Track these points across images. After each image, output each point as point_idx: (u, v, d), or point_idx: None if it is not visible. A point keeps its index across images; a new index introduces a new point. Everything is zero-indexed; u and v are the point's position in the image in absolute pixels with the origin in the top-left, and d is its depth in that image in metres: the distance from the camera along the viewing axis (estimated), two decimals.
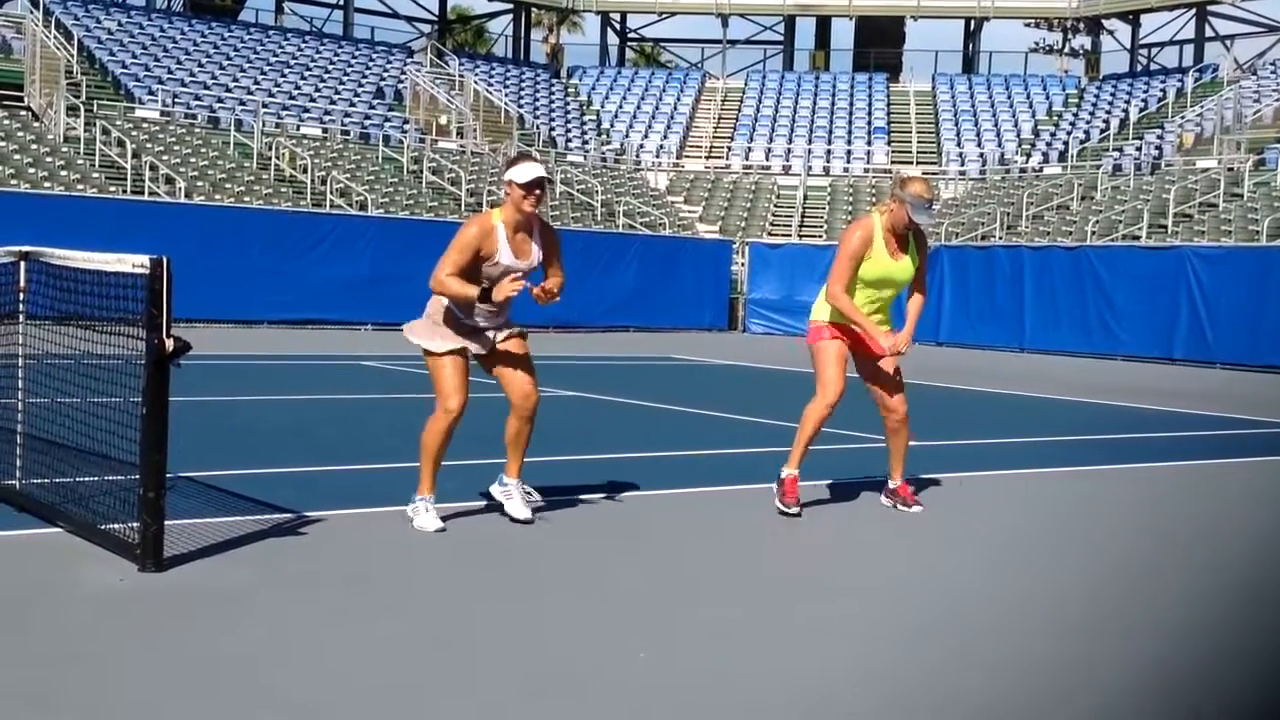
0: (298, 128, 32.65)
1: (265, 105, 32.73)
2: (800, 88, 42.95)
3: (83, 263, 5.91)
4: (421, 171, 31.80)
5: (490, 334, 6.46)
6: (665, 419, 11.98)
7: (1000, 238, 30.26)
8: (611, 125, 40.94)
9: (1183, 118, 36.67)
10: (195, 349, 5.35)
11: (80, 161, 26.79)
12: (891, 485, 7.37)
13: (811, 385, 7.10)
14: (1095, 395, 15.50)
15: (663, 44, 53.36)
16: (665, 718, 3.88)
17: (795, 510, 6.95)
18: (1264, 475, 9.62)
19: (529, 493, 6.70)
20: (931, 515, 7.20)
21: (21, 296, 6.48)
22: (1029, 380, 17.56)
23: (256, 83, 34.86)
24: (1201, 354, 22.27)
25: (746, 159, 39.48)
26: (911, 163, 37.46)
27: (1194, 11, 43.17)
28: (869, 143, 39.69)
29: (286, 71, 36.54)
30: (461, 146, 35.03)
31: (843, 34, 50.49)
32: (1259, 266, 21.87)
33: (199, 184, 27.07)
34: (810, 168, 38.36)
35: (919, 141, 40.16)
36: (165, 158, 27.73)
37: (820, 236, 33.64)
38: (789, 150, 39.42)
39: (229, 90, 33.58)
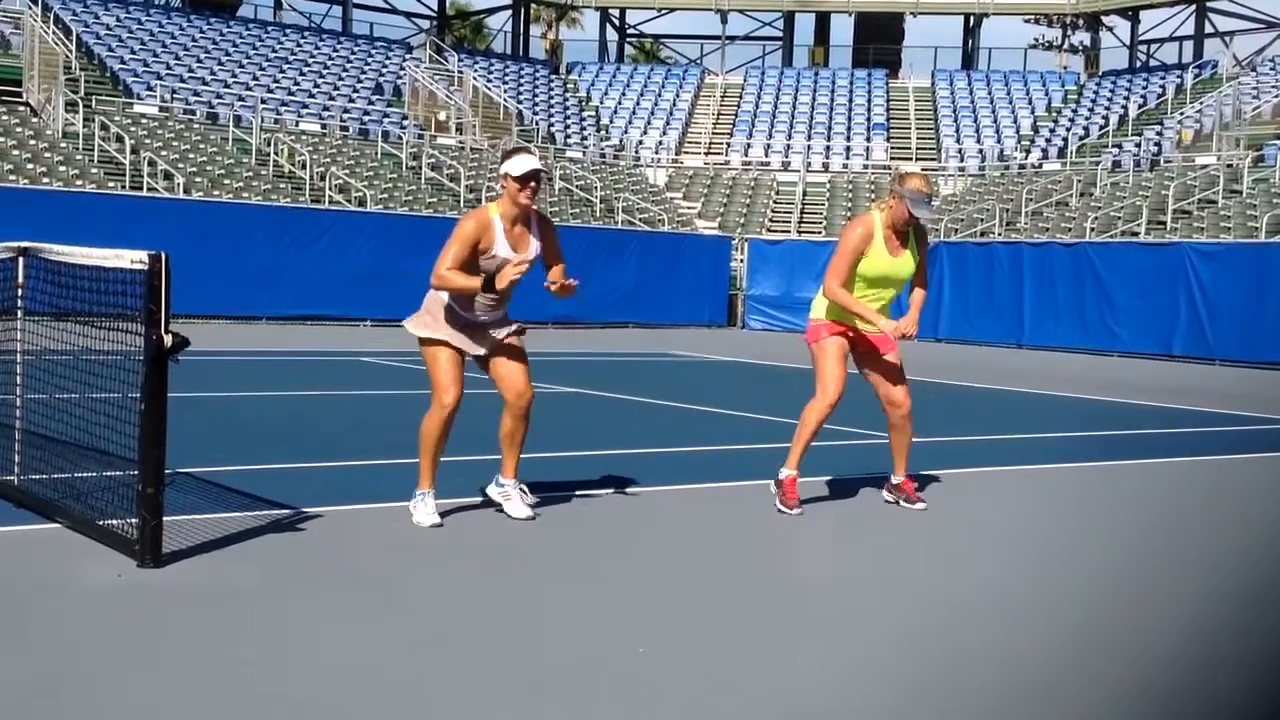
0: (296, 124, 32.63)
1: (264, 101, 32.71)
2: (799, 84, 42.94)
3: (81, 258, 5.90)
4: (420, 167, 31.78)
5: (490, 332, 6.45)
6: (664, 415, 11.98)
7: (999, 234, 30.26)
8: (611, 121, 40.93)
9: (1182, 114, 36.67)
10: (194, 345, 5.34)
11: (79, 157, 26.77)
12: (895, 480, 7.35)
13: (811, 383, 7.08)
14: (1094, 392, 15.49)
15: (662, 40, 53.40)
16: (665, 714, 3.87)
17: (796, 510, 6.94)
18: (1263, 472, 9.61)
19: (525, 492, 6.70)
20: (932, 512, 7.19)
21: (20, 292, 6.47)
22: (1028, 377, 17.56)
23: (255, 78, 34.84)
24: (1200, 350, 22.26)
25: (746, 155, 39.46)
26: (911, 159, 37.45)
27: (1193, 7, 43.18)
28: (868, 139, 39.68)
29: (285, 67, 36.52)
30: (460, 142, 35.01)
31: (842, 30, 50.52)
32: (1258, 263, 21.86)
33: (197, 180, 27.06)
34: (809, 164, 38.36)
35: (918, 138, 40.15)
36: (164, 153, 27.71)
37: (819, 233, 33.64)
38: (788, 146, 39.41)
39: (228, 86, 33.56)
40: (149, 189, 26.14)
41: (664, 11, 46.66)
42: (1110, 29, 47.42)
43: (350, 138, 32.87)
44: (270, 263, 23.59)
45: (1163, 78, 40.32)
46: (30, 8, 32.04)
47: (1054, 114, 40.13)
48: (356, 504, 6.76)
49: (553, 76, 43.35)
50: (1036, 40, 52.39)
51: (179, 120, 30.29)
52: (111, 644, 4.33)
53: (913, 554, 6.30)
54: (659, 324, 27.64)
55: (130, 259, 5.35)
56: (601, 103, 41.98)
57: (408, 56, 40.41)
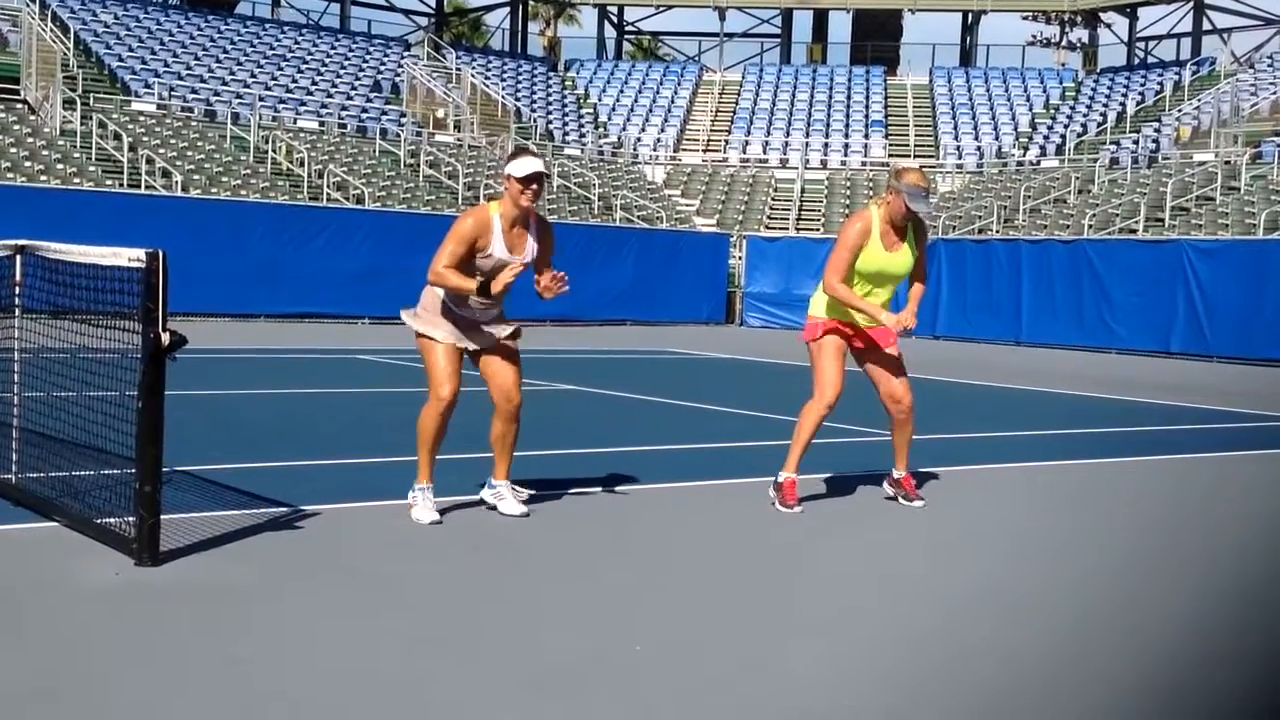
0: (294, 121, 32.61)
1: (262, 99, 32.68)
2: (797, 81, 42.92)
3: (79, 256, 5.90)
4: (418, 165, 31.77)
5: (485, 329, 6.45)
6: (662, 412, 11.97)
7: (997, 231, 30.26)
8: (609, 118, 40.91)
9: (1180, 111, 36.67)
10: (191, 343, 5.33)
11: (76, 155, 26.75)
12: (895, 475, 7.34)
13: (809, 381, 7.08)
14: (1092, 389, 15.49)
15: (660, 37, 53.35)
16: (663, 712, 3.87)
17: (797, 509, 6.93)
18: (1261, 469, 9.61)
19: (518, 491, 6.70)
20: (929, 510, 7.19)
21: (18, 290, 6.46)
22: (1026, 374, 17.56)
23: (253, 76, 34.81)
24: (1198, 347, 22.28)
25: (744, 152, 39.45)
26: (909, 156, 37.45)
27: (1191, 5, 43.18)
28: (866, 136, 39.67)
29: (283, 65, 36.49)
30: (458, 140, 34.99)
31: (840, 27, 50.64)
32: (1256, 260, 21.87)
33: (195, 177, 27.04)
34: (807, 161, 38.35)
35: (916, 135, 40.15)
36: (162, 151, 27.69)
37: (818, 230, 33.64)
38: (786, 143, 39.41)
39: (226, 84, 33.54)
40: (147, 187, 26.12)
41: (662, 9, 46.66)
42: (1108, 26, 47.45)
43: (348, 135, 32.85)
44: (268, 260, 23.58)
45: (1161, 75, 40.32)
46: (28, 5, 32.00)
47: (1052, 111, 40.13)
48: (354, 502, 6.76)
49: (551, 74, 43.33)
50: (1034, 37, 52.44)
51: (177, 118, 30.27)
52: (109, 642, 4.33)
53: (910, 552, 6.30)
54: (657, 321, 27.64)
55: (128, 257, 5.35)
56: (600, 100, 41.97)
57: (406, 54, 40.39)
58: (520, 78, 41.68)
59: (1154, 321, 22.93)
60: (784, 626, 4.85)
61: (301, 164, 29.23)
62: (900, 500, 7.30)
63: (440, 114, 36.50)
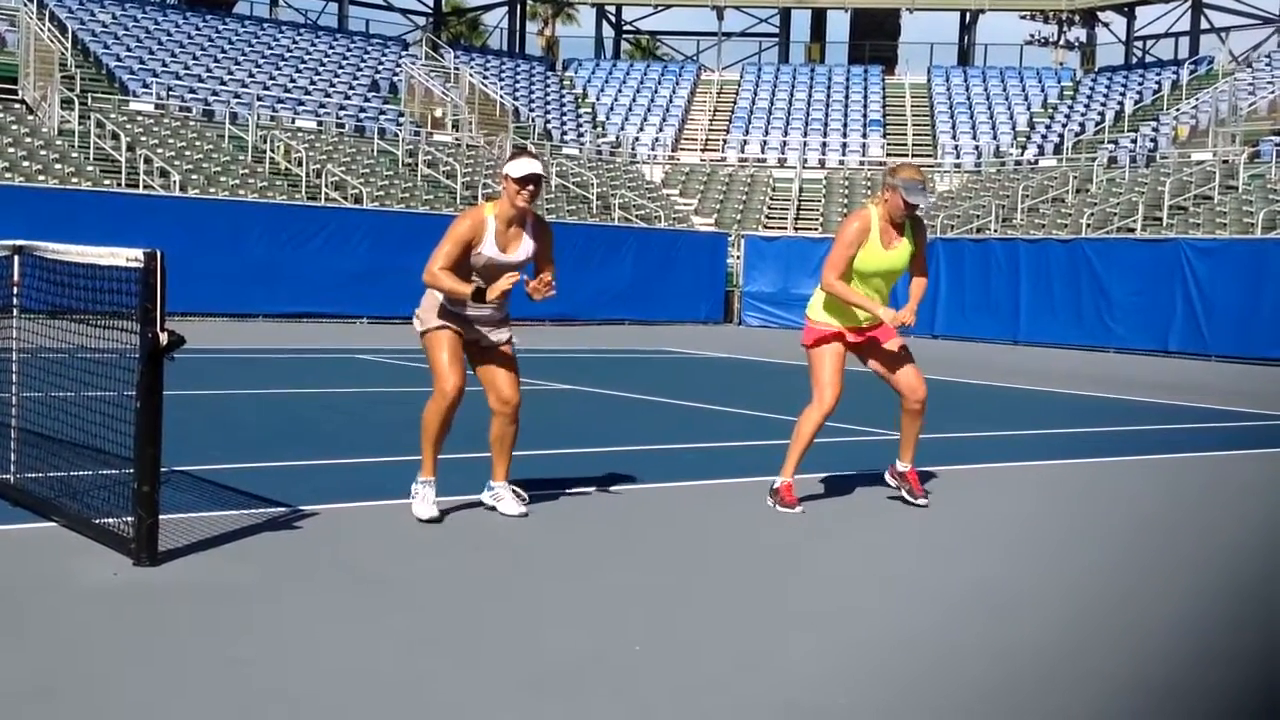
0: (293, 121, 32.61)
1: (260, 98, 32.68)
2: (795, 80, 42.93)
3: (77, 256, 5.90)
4: (417, 165, 31.76)
5: (482, 328, 6.45)
6: (660, 412, 11.98)
7: (995, 230, 30.27)
8: (607, 118, 40.91)
9: (1178, 110, 36.68)
10: (190, 343, 5.34)
11: (74, 155, 26.74)
12: (900, 468, 7.31)
13: (808, 382, 7.07)
14: (1090, 388, 15.50)
15: (658, 36, 53.35)
16: (662, 711, 3.88)
17: (798, 509, 6.93)
18: (1259, 468, 9.62)
19: (518, 493, 6.71)
20: (927, 508, 7.20)
21: (16, 290, 6.47)
22: (1023, 373, 17.57)
23: (251, 75, 34.81)
24: (1196, 346, 22.29)
25: (742, 151, 39.46)
26: (907, 155, 37.48)
27: (1189, 4, 43.21)
28: (864, 135, 39.68)
29: (281, 64, 36.49)
30: (457, 139, 34.99)
31: (838, 26, 50.59)
32: (1254, 259, 21.88)
33: (193, 177, 27.03)
34: (806, 160, 38.36)
35: (915, 134, 40.16)
36: (160, 151, 27.69)
37: (816, 229, 33.66)
38: (784, 143, 39.41)
39: (224, 83, 33.53)
40: (145, 186, 26.12)
41: (660, 8, 46.66)
42: (1106, 25, 47.48)
43: (346, 135, 32.85)
44: (266, 260, 23.58)
45: (1159, 74, 40.34)
46: (26, 5, 31.99)
47: (1050, 110, 40.15)
48: (354, 502, 6.76)
49: (549, 73, 43.33)
50: (1032, 36, 52.37)
51: (175, 117, 30.26)
52: (108, 643, 4.33)
53: (907, 550, 6.30)
54: (655, 321, 27.64)
55: (126, 257, 5.35)
56: (598, 99, 41.97)
57: (404, 53, 40.39)
58: (518, 77, 41.68)
59: (1152, 321, 22.94)
60: (781, 625, 4.86)
61: (300, 164, 29.22)
62: (905, 495, 7.26)
63: (438, 113, 36.50)
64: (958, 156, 38.29)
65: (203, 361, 13.71)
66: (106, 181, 25.80)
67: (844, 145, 39.34)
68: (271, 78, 35.24)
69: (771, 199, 36.69)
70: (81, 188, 24.16)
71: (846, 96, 41.67)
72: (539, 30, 51.97)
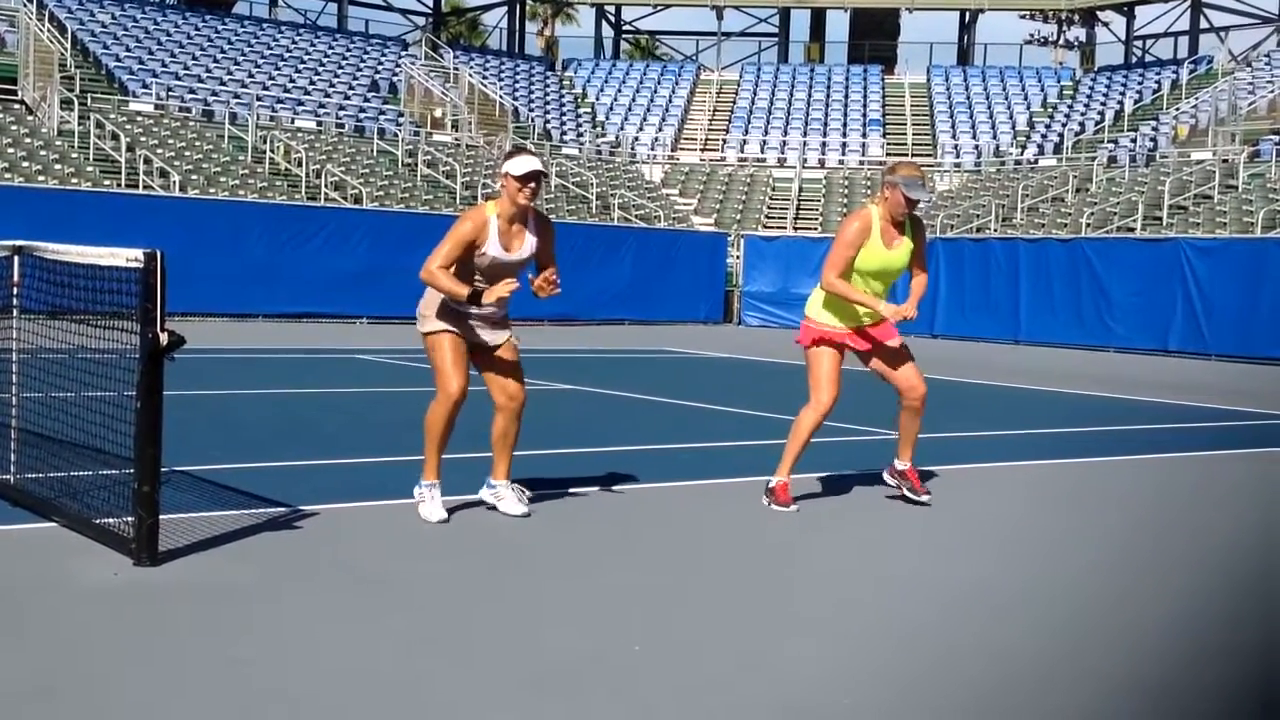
0: (292, 121, 32.61)
1: (260, 99, 32.69)
2: (795, 80, 42.93)
3: (77, 257, 5.91)
4: (416, 165, 31.77)
5: (481, 328, 6.45)
6: (660, 412, 11.98)
7: (995, 230, 30.26)
8: (606, 118, 40.92)
9: (1178, 110, 36.69)
10: (190, 343, 5.35)
11: (74, 155, 26.75)
12: (900, 467, 7.31)
13: (806, 382, 7.07)
14: (1089, 387, 15.51)
15: (657, 36, 53.35)
16: (661, 711, 3.88)
17: (793, 508, 6.94)
18: (1258, 467, 9.62)
19: (521, 491, 6.71)
20: (924, 508, 7.20)
21: (16, 291, 6.47)
22: (1023, 372, 17.58)
23: (251, 76, 34.81)
24: (1196, 346, 22.30)
25: (741, 151, 39.46)
26: (907, 155, 37.46)
27: (1188, 3, 43.21)
28: (864, 135, 39.69)
29: (281, 65, 36.49)
30: (456, 139, 34.99)
31: (838, 26, 50.58)
32: (1253, 258, 21.89)
33: (193, 178, 27.04)
34: (805, 160, 38.37)
35: (914, 133, 40.17)
36: (159, 151, 27.69)
37: (816, 229, 33.66)
38: (784, 143, 39.42)
39: (223, 84, 33.54)
40: (144, 187, 26.12)
41: (659, 8, 46.66)
42: (1106, 24, 47.48)
43: (346, 135, 32.86)
44: (266, 260, 23.59)
45: (1158, 73, 40.34)
46: (25, 5, 32.00)
47: (1050, 110, 40.15)
48: (353, 502, 6.77)
49: (548, 73, 43.33)
50: (1032, 36, 52.35)
51: (174, 118, 30.27)
52: (108, 643, 4.34)
53: (905, 549, 6.31)
54: (655, 320, 27.65)
55: (126, 257, 5.36)
56: (597, 99, 41.97)
57: (403, 53, 40.39)
58: (518, 77, 41.68)
59: (1152, 320, 22.95)
60: (781, 624, 4.86)
61: (299, 164, 29.23)
62: (905, 493, 7.26)
63: (438, 113, 36.50)
64: (957, 156, 38.29)
65: (203, 362, 13.71)
66: (106, 182, 25.81)
67: (844, 145, 39.35)
68: (271, 78, 35.25)
69: (771, 199, 36.69)
70: (81, 188, 24.17)
71: (846, 96, 41.67)
72: (538, 30, 51.99)
